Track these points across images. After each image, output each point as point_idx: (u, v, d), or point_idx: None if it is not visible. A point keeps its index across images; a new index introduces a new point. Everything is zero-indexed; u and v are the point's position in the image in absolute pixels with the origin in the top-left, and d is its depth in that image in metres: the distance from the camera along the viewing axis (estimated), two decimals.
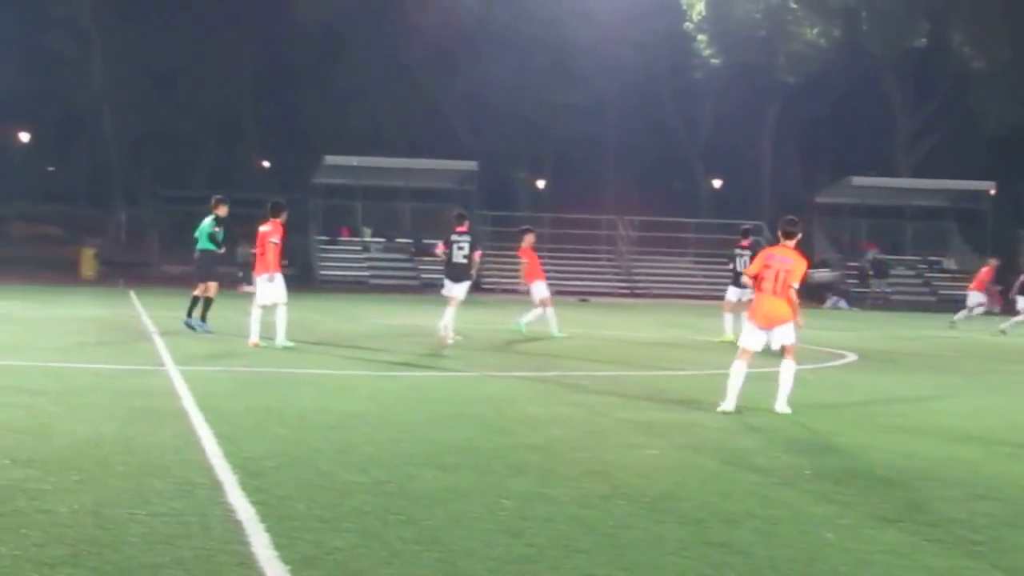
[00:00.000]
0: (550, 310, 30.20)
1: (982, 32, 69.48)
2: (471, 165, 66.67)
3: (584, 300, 55.71)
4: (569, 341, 28.49)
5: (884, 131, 75.80)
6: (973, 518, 9.71)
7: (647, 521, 9.19)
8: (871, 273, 67.64)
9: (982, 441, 14.04)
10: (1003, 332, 38.03)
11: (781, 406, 15.58)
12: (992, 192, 69.22)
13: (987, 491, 10.84)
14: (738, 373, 15.58)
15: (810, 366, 22.18)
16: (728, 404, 15.48)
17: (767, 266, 15.77)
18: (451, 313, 26.69)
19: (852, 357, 26.32)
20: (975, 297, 42.11)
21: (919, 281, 69.52)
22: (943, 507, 10.11)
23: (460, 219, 27.84)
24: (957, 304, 44.66)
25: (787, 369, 15.69)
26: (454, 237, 27.13)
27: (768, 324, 15.68)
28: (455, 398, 16.65)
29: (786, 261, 15.74)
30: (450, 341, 26.13)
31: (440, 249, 27.64)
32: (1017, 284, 40.15)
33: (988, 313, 44.13)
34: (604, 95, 74.19)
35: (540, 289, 30.51)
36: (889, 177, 72.27)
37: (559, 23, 70.39)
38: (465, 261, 27.05)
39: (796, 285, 15.63)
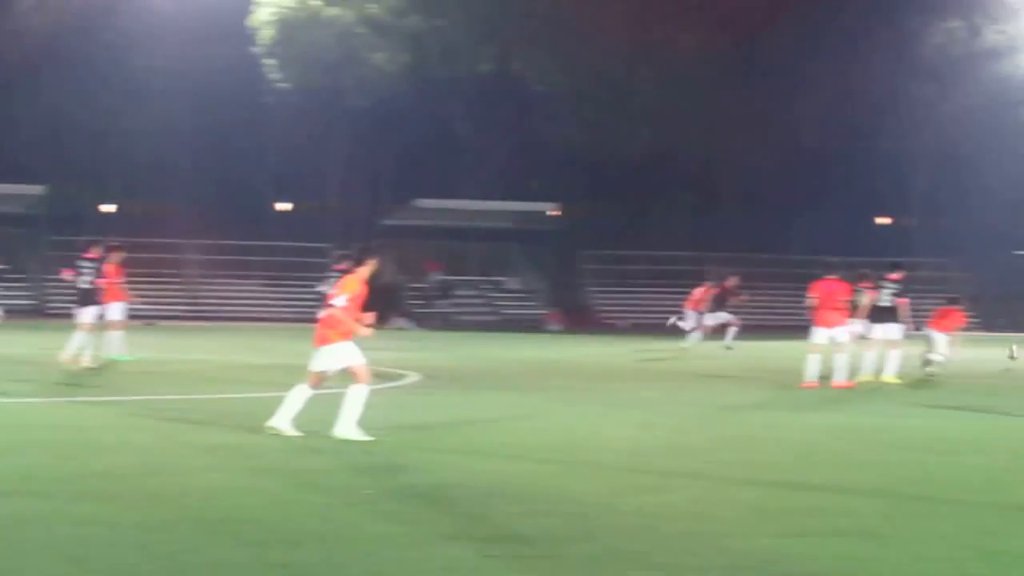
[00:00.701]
0: (120, 333, 29.57)
1: (542, 59, 71.81)
2: (39, 189, 64.84)
3: (151, 324, 54.72)
4: (138, 365, 28.05)
5: (451, 154, 77.22)
6: (531, 532, 10.01)
7: (209, 544, 9.26)
8: (435, 294, 68.95)
9: (540, 458, 14.44)
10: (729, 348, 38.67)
11: (339, 430, 15.31)
12: (554, 213, 71.60)
13: (545, 506, 11.16)
14: (297, 393, 15.55)
15: (374, 387, 22.47)
16: (277, 420, 15.44)
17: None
18: (80, 338, 26.56)
19: (416, 377, 26.54)
20: (693, 316, 40.09)
21: (483, 301, 71.08)
22: (503, 523, 10.41)
23: (89, 246, 28.06)
24: (519, 323, 44.58)
25: (350, 393, 15.48)
26: (81, 263, 27.32)
27: (317, 343, 15.70)
28: (21, 424, 16.33)
29: (338, 284, 15.88)
30: (85, 363, 26.08)
31: (68, 274, 27.78)
32: (705, 299, 39.40)
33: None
34: (174, 119, 73.15)
35: (114, 311, 29.67)
36: (455, 199, 73.56)
37: (129, 47, 69.15)
38: (91, 287, 27.17)
39: (338, 303, 15.45)
